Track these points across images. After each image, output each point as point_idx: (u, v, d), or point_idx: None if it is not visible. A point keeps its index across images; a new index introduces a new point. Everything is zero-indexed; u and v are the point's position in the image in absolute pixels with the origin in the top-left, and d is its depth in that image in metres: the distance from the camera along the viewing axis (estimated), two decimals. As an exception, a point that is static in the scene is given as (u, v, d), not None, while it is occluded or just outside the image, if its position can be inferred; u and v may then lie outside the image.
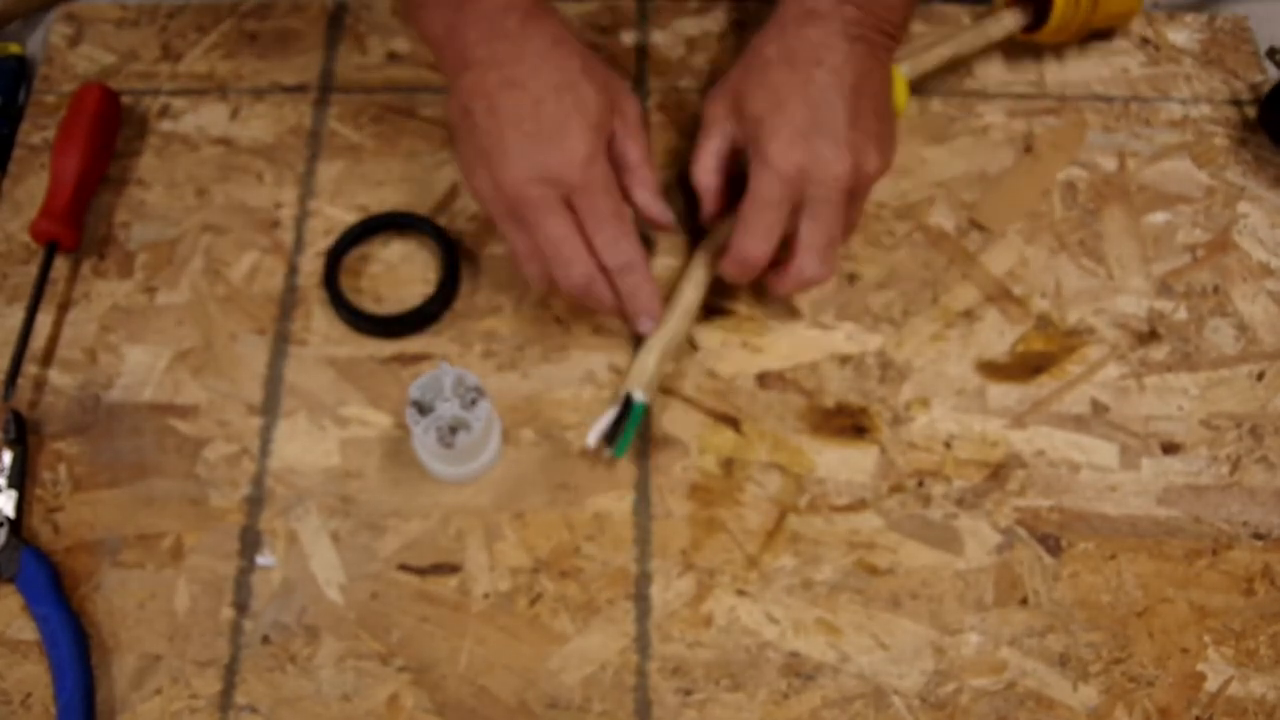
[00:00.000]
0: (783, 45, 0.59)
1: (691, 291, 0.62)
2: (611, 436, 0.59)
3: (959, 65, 0.72)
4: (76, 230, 0.65)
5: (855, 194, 0.59)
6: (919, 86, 0.71)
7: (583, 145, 0.57)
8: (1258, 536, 0.59)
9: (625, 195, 0.61)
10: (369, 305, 0.65)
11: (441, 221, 0.67)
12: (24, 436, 0.60)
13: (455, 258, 0.65)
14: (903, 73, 0.67)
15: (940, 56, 0.69)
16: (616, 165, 0.60)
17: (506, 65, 0.57)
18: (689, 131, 0.71)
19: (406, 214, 0.67)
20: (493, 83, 0.57)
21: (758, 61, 0.60)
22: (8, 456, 0.59)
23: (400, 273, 0.66)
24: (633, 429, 0.59)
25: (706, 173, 0.62)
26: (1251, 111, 0.72)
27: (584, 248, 0.58)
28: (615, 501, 0.60)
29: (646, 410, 0.61)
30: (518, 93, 0.57)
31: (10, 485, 0.59)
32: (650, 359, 0.60)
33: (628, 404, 0.59)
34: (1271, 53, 0.72)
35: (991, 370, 0.64)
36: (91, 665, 0.55)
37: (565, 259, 0.58)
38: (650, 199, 0.62)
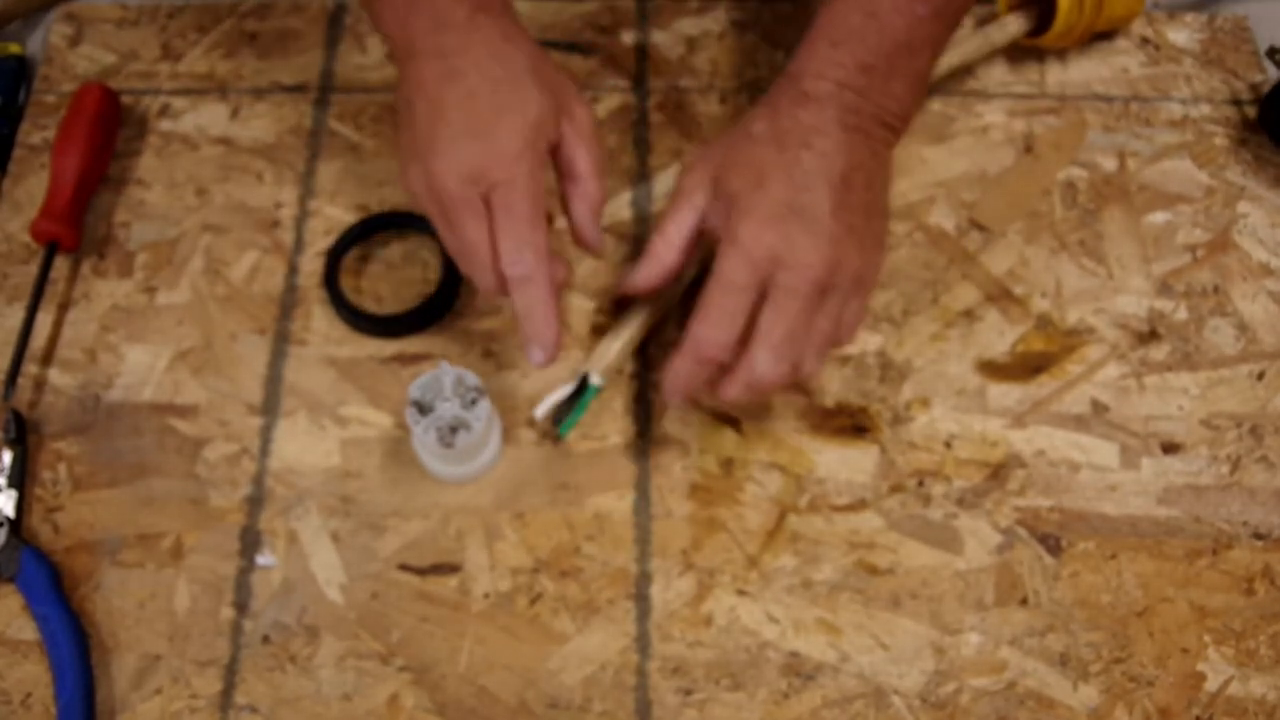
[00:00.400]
0: (772, 124, 0.55)
1: (673, 286, 0.63)
2: (562, 415, 0.60)
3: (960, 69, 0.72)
4: (76, 230, 0.65)
5: (827, 291, 0.53)
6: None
7: (513, 142, 0.54)
8: (1258, 536, 0.59)
9: (564, 204, 0.58)
10: (370, 305, 0.65)
11: (441, 221, 0.67)
12: (24, 436, 0.60)
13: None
14: None
15: (945, 65, 0.70)
16: (562, 172, 0.58)
17: (451, 57, 0.55)
18: (689, 132, 0.71)
19: (406, 213, 0.67)
20: (434, 73, 0.55)
21: (743, 137, 0.56)
22: (8, 456, 0.59)
23: (401, 273, 0.66)
24: (582, 410, 0.59)
25: (668, 246, 0.56)
26: (1251, 111, 0.72)
27: (492, 255, 0.54)
28: (615, 501, 0.60)
29: (598, 393, 0.61)
30: (457, 85, 0.54)
31: (10, 485, 0.59)
32: (615, 345, 0.61)
33: (583, 384, 0.59)
34: (1272, 52, 0.72)
35: (991, 370, 0.64)
36: (91, 665, 0.55)
37: (474, 263, 0.55)
38: (587, 217, 0.58)
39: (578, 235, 0.59)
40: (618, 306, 0.64)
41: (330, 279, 0.65)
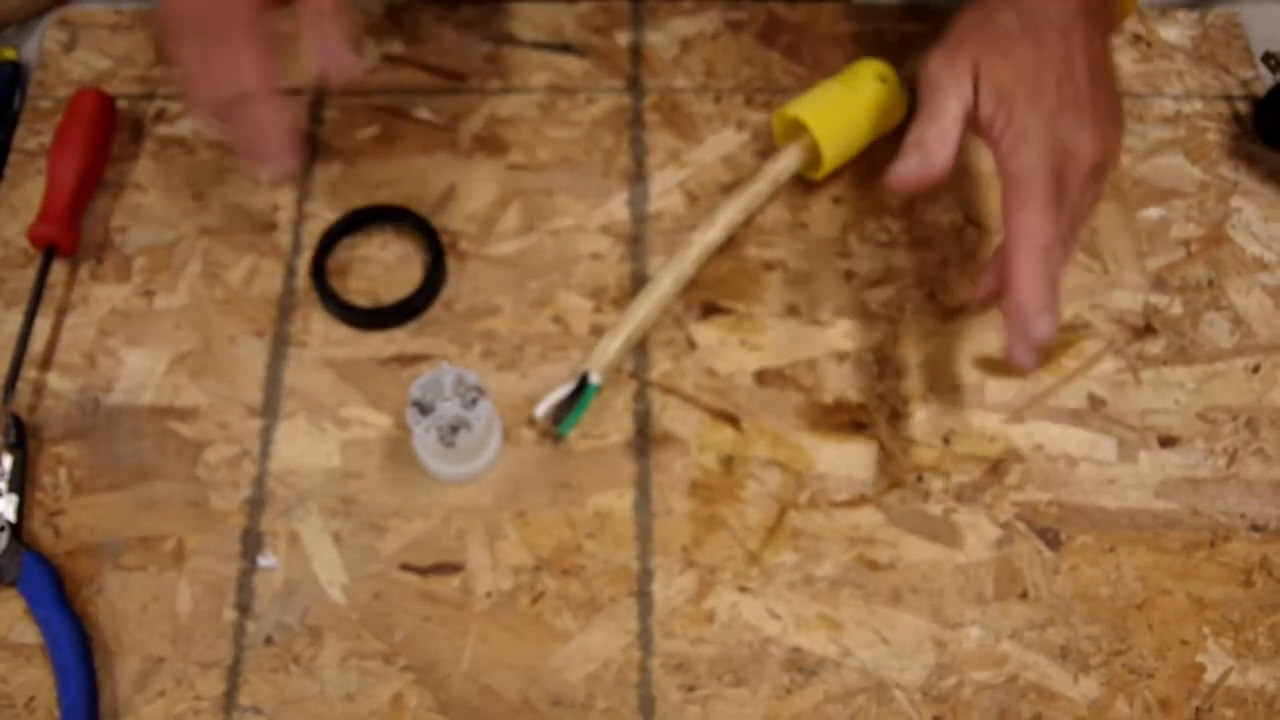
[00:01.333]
0: (1021, 16, 0.56)
1: (669, 283, 0.63)
2: (562, 414, 0.60)
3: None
4: (74, 234, 0.65)
5: (1100, 176, 0.56)
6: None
7: None
8: (1255, 528, 0.60)
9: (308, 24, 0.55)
10: (364, 304, 0.65)
11: (439, 223, 0.67)
12: (24, 441, 0.60)
13: (439, 247, 0.66)
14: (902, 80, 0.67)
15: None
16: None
17: None
18: (685, 132, 0.71)
19: (388, 206, 0.67)
20: None
21: (997, 31, 0.56)
22: (7, 461, 0.59)
23: (398, 273, 0.66)
24: (583, 408, 0.60)
25: (943, 137, 0.55)
26: (1243, 107, 0.73)
27: (206, 76, 0.51)
28: (616, 499, 0.60)
29: (597, 392, 0.61)
30: None
31: (10, 489, 0.59)
32: (614, 344, 0.61)
33: (583, 383, 0.59)
34: (1266, 57, 0.72)
35: (989, 366, 0.64)
36: (95, 668, 0.55)
37: (191, 88, 0.51)
38: (330, 18, 0.53)
39: (320, 46, 0.55)
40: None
41: (317, 273, 0.65)
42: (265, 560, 0.58)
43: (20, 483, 0.59)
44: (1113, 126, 0.57)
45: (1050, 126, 0.54)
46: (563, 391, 0.60)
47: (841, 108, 0.67)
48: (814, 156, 0.67)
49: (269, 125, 0.53)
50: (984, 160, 0.70)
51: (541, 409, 0.60)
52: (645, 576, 0.58)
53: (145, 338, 0.64)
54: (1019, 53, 0.56)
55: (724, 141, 0.71)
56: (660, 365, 0.64)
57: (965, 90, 0.56)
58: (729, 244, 0.67)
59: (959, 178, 0.69)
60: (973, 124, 0.57)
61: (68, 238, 0.65)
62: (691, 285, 0.65)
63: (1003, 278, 0.54)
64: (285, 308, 0.65)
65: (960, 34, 0.58)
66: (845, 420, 0.62)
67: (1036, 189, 0.53)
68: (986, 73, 0.55)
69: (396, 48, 0.74)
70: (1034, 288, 0.53)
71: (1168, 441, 0.62)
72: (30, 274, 0.65)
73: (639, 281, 0.66)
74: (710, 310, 0.65)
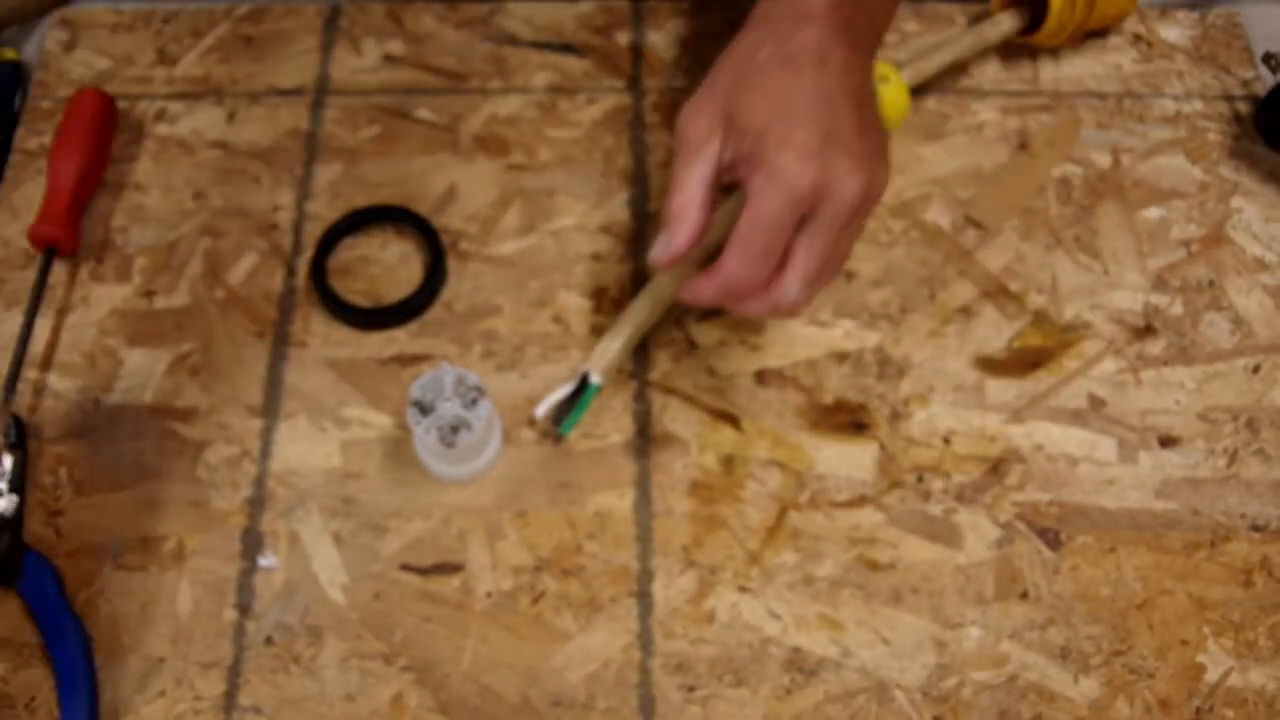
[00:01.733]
0: (776, 49, 0.52)
1: (669, 283, 0.63)
2: (562, 414, 0.60)
3: (955, 68, 0.73)
4: (74, 234, 0.65)
5: (861, 214, 0.52)
6: (914, 87, 0.71)
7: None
8: (1256, 528, 0.60)
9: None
10: (364, 304, 0.65)
11: (439, 222, 0.67)
12: (24, 441, 0.60)
13: (439, 247, 0.66)
14: (904, 79, 0.68)
15: (939, 63, 0.70)
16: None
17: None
18: (685, 131, 0.71)
19: (389, 206, 0.67)
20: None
21: (749, 68, 0.53)
22: (8, 461, 0.59)
23: (398, 273, 0.66)
24: (583, 409, 0.60)
25: (695, 206, 0.52)
26: (1244, 107, 0.73)
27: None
28: (616, 500, 0.60)
29: (598, 392, 0.61)
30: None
31: (11, 489, 0.59)
32: (615, 344, 0.61)
33: (584, 383, 0.59)
34: (1267, 58, 0.72)
35: (989, 366, 0.64)
36: (95, 669, 0.55)
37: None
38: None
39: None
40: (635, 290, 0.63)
41: (317, 273, 0.65)
42: (265, 560, 0.58)
43: (21, 483, 0.59)
44: (877, 161, 0.52)
45: (805, 164, 0.49)
46: (563, 392, 0.60)
47: None
48: None
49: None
50: (983, 160, 0.70)
51: (541, 409, 0.60)
52: (645, 576, 0.58)
53: (145, 338, 0.64)
54: (772, 85, 0.52)
55: (724, 141, 0.71)
56: (660, 365, 0.64)
57: (713, 144, 0.52)
58: (729, 244, 0.67)
59: (959, 178, 0.69)
60: (731, 170, 0.53)
61: (68, 238, 0.65)
62: (692, 285, 0.65)
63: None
64: (285, 308, 0.65)
65: (713, 76, 0.54)
66: (845, 420, 0.62)
67: (758, 236, 0.50)
68: (737, 112, 0.52)
69: (396, 48, 0.74)
70: (692, 303, 0.53)
71: (1168, 442, 0.62)
72: (30, 274, 0.65)
73: (639, 281, 0.66)
74: (710, 310, 0.65)
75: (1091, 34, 0.75)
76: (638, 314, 0.62)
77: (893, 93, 0.67)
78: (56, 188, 0.65)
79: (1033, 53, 0.74)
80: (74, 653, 0.55)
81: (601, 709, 0.55)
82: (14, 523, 0.58)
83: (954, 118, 0.72)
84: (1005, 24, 0.72)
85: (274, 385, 0.63)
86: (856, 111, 0.52)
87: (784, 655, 0.56)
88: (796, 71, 0.52)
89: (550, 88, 0.73)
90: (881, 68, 0.67)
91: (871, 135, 0.52)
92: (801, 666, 0.56)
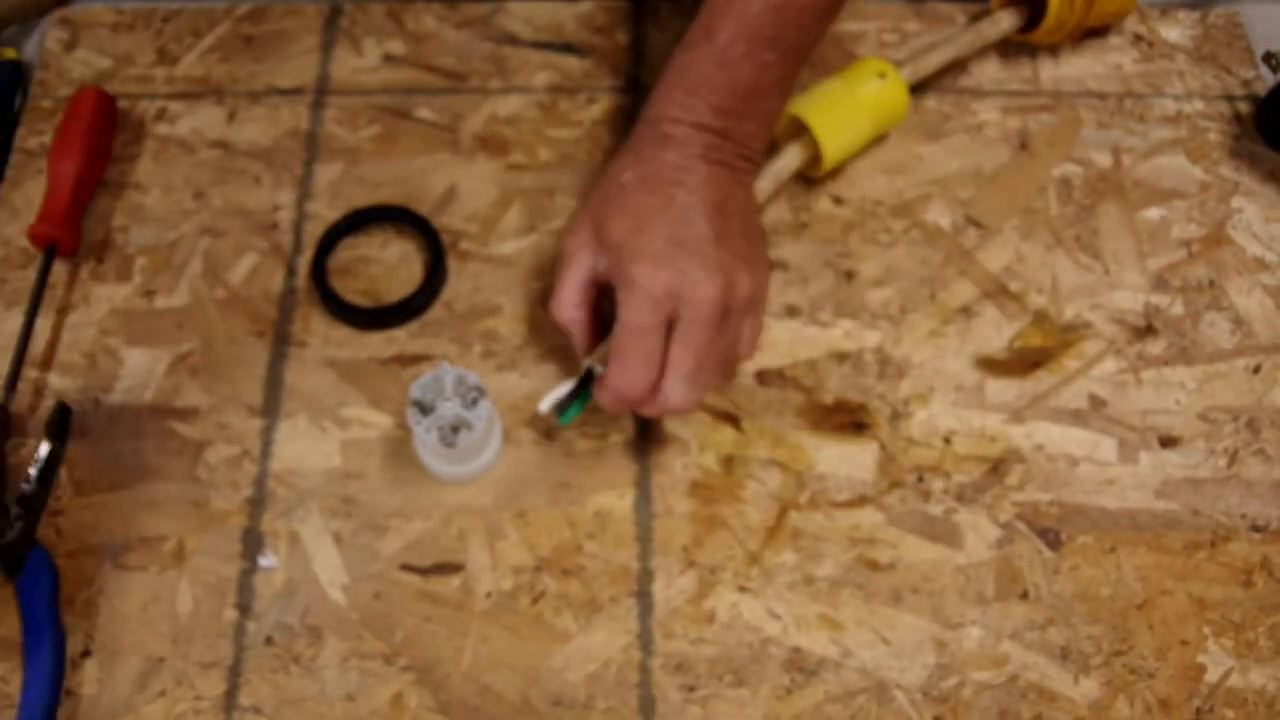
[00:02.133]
0: (640, 169, 0.57)
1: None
2: (565, 407, 0.60)
3: (955, 67, 0.73)
4: (75, 233, 0.65)
5: (727, 315, 0.55)
6: (913, 85, 0.71)
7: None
8: (1256, 529, 0.60)
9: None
10: (365, 304, 0.65)
11: (439, 222, 0.67)
12: (66, 434, 0.60)
13: (440, 247, 0.66)
14: (903, 77, 0.68)
15: (938, 60, 0.70)
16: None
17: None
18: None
19: (389, 206, 0.67)
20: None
21: (615, 188, 0.57)
22: (45, 449, 0.59)
23: (399, 273, 0.66)
24: (584, 402, 0.59)
25: (570, 308, 0.58)
26: (1244, 107, 0.72)
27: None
28: (616, 499, 0.60)
29: None
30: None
31: (39, 481, 0.58)
32: None
33: (587, 378, 0.59)
34: (1268, 57, 0.72)
35: (990, 366, 0.64)
36: (63, 683, 0.55)
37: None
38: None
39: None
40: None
41: (317, 274, 0.65)
42: (265, 560, 0.58)
43: (50, 475, 0.59)
44: (740, 265, 0.56)
45: (658, 272, 0.54)
46: (566, 387, 0.60)
47: (842, 105, 0.67)
48: (815, 154, 0.67)
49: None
50: (984, 160, 0.70)
51: (545, 404, 0.59)
52: (645, 577, 0.58)
53: (146, 337, 0.64)
54: (631, 204, 0.56)
55: (724, 141, 0.71)
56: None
57: (584, 256, 0.58)
58: (729, 244, 0.66)
59: (959, 178, 0.69)
60: (607, 280, 0.57)
61: (68, 237, 0.65)
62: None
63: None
64: (286, 308, 0.65)
65: (586, 199, 0.59)
66: (845, 420, 0.62)
67: (630, 345, 0.54)
68: (602, 228, 0.56)
69: (397, 47, 0.74)
70: (607, 409, 0.57)
71: (1168, 442, 0.62)
72: (30, 274, 0.65)
73: (639, 281, 0.66)
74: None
75: (1092, 33, 0.75)
76: None
77: (890, 90, 0.67)
78: (57, 187, 0.65)
79: (1033, 52, 0.74)
80: (49, 665, 0.54)
81: (601, 709, 0.55)
82: (33, 512, 0.58)
83: (954, 118, 0.72)
84: (1004, 21, 0.72)
85: (274, 385, 0.63)
86: (717, 222, 0.56)
87: (784, 655, 0.56)
88: (653, 189, 0.56)
89: (550, 87, 0.73)
90: (879, 65, 0.67)
91: (733, 241, 0.56)
92: (801, 666, 0.56)
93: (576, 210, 0.60)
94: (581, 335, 0.59)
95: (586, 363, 0.60)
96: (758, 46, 0.58)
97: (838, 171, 0.69)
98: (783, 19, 0.58)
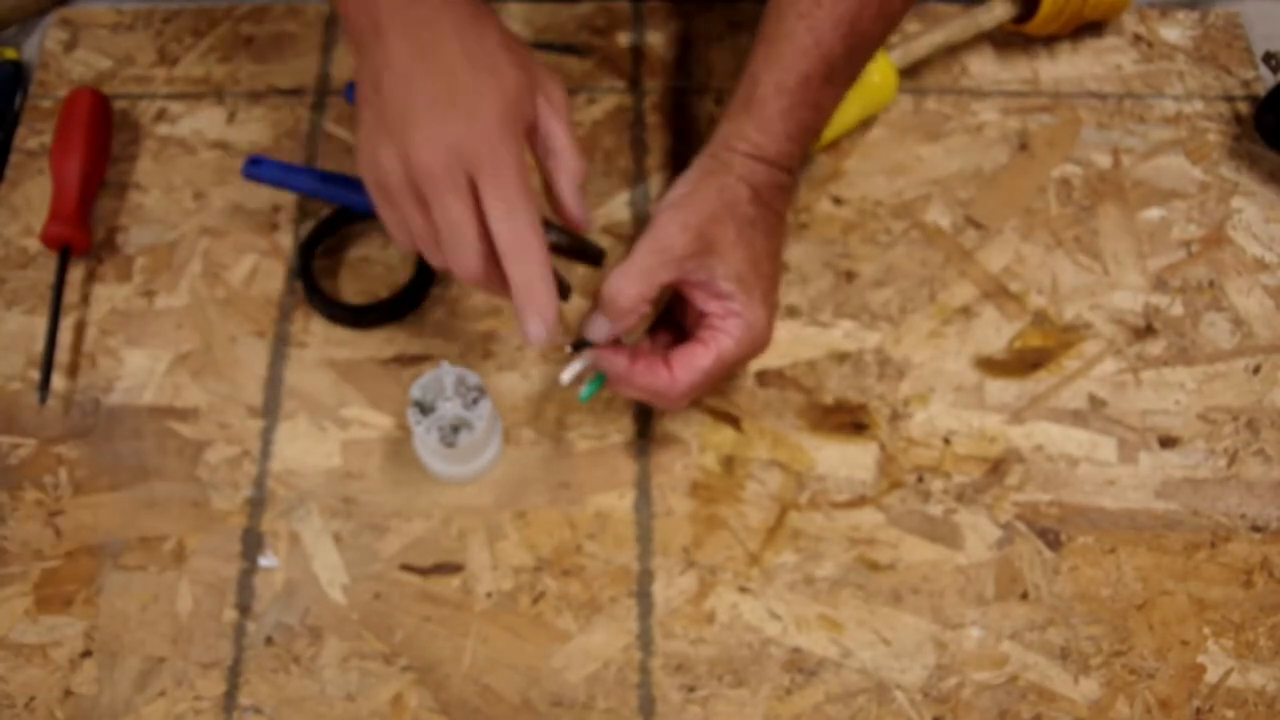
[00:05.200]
0: (760, 208, 0.57)
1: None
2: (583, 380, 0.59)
3: (949, 54, 0.72)
4: (87, 233, 0.65)
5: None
6: (913, 82, 0.71)
7: (495, 118, 0.51)
8: (1256, 529, 0.60)
9: (547, 183, 0.56)
10: (352, 297, 0.65)
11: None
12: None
13: None
14: (892, 59, 0.68)
15: (929, 44, 0.70)
16: (541, 150, 0.55)
17: (421, 32, 0.52)
18: (683, 132, 0.71)
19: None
20: (405, 50, 0.52)
21: (737, 214, 0.56)
22: None
23: (399, 274, 0.66)
24: (602, 380, 0.57)
25: (644, 302, 0.55)
26: (1244, 107, 0.72)
27: (479, 233, 0.52)
28: (616, 500, 0.60)
29: None
30: (431, 61, 0.52)
31: None
32: None
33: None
34: (1267, 57, 0.72)
35: (989, 366, 0.64)
36: None
37: (459, 243, 0.52)
38: (572, 192, 0.56)
39: (564, 211, 0.57)
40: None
41: (305, 271, 0.65)
42: (266, 560, 0.58)
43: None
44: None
45: (770, 325, 0.57)
46: (583, 362, 0.58)
47: None
48: None
49: (544, 284, 0.52)
50: (984, 160, 0.70)
51: (567, 375, 0.56)
52: (645, 577, 0.58)
53: (146, 337, 0.64)
54: (748, 242, 0.56)
55: (724, 142, 0.71)
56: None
57: (687, 259, 0.55)
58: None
59: (959, 178, 0.69)
60: (694, 287, 0.56)
61: (81, 236, 0.64)
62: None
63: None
64: (286, 308, 0.65)
65: (689, 198, 0.56)
66: (845, 420, 0.62)
67: (714, 375, 0.56)
68: (716, 246, 0.55)
69: (397, 48, 0.74)
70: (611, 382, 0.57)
71: (1168, 442, 0.62)
72: (30, 274, 0.65)
73: (639, 282, 0.66)
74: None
75: (1091, 32, 0.75)
76: None
77: (880, 71, 0.67)
78: (64, 187, 0.65)
79: (1033, 53, 0.74)
80: None
81: (601, 709, 0.55)
82: None
83: (954, 118, 0.72)
84: (999, 10, 0.72)
85: (274, 385, 0.63)
86: (779, 268, 0.59)
87: (784, 655, 0.56)
88: (769, 236, 0.57)
89: (550, 88, 0.73)
90: None
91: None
92: (801, 667, 0.56)
93: (681, 205, 0.56)
94: (626, 323, 0.56)
95: (578, 363, 0.59)
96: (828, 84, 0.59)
97: (838, 172, 0.69)
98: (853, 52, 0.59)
